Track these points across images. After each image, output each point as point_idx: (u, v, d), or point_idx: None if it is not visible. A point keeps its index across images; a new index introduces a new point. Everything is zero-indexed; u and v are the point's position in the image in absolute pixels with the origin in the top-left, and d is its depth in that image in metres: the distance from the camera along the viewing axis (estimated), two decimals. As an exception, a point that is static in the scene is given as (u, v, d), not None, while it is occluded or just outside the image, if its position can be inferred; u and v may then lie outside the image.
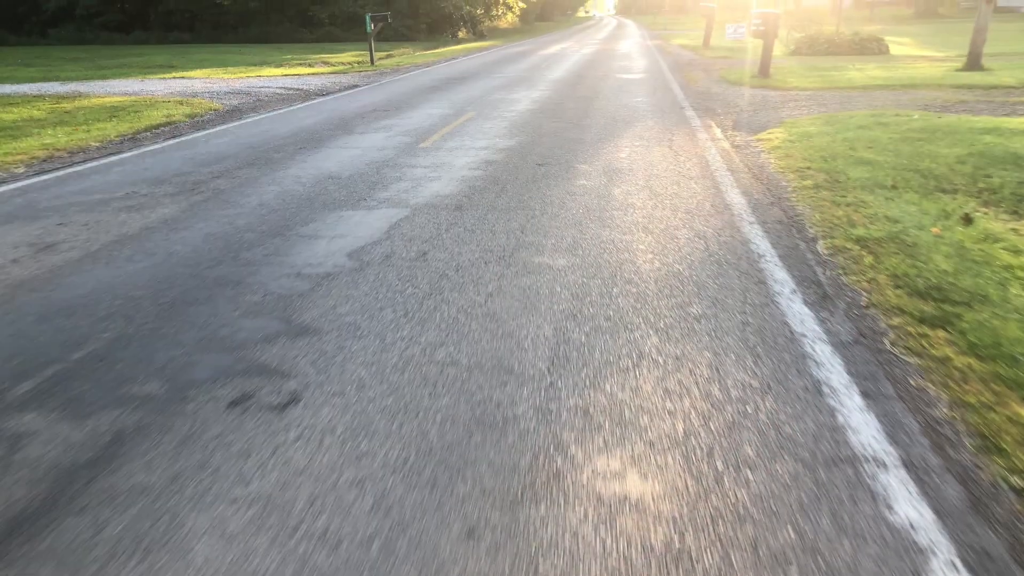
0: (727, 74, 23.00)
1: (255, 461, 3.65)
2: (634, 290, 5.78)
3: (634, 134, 12.80)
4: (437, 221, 7.71)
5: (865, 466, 3.53)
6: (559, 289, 5.80)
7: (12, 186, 10.09)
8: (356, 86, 23.25)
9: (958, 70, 21.80)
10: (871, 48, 30.86)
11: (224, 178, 10.15)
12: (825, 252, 6.60)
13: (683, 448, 3.70)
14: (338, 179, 9.83)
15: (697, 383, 4.35)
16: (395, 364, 4.62)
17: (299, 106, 18.44)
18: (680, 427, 3.89)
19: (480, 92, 20.16)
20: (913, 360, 4.60)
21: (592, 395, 4.22)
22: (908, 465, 3.55)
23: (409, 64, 32.78)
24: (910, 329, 4.98)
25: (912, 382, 4.35)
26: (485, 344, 4.87)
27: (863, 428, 3.84)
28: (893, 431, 3.83)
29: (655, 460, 3.61)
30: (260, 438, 3.84)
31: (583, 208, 8.08)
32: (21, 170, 11.10)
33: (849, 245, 6.67)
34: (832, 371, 4.45)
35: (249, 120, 16.15)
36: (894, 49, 31.88)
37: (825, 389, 4.25)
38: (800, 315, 5.27)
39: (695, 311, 5.36)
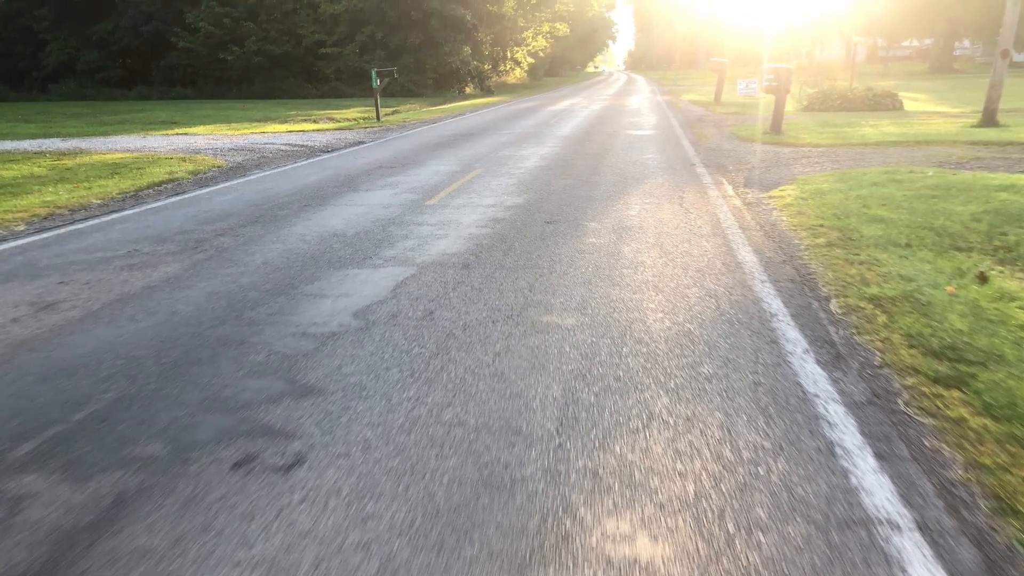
0: (738, 130, 23.11)
1: (259, 523, 3.61)
2: (644, 350, 5.74)
3: (644, 191, 12.83)
4: (444, 280, 7.70)
5: (879, 528, 3.46)
6: (568, 349, 5.77)
7: (12, 244, 10.16)
8: (362, 142, 23.45)
9: (973, 126, 21.88)
10: (885, 104, 30.99)
11: (228, 236, 10.18)
12: (838, 311, 6.55)
13: (694, 510, 3.64)
14: (343, 237, 9.85)
15: (708, 444, 4.29)
16: (401, 425, 4.58)
17: (304, 163, 18.60)
18: (691, 489, 3.83)
19: (488, 148, 20.31)
20: (928, 421, 4.53)
21: (601, 456, 4.17)
22: (922, 527, 3.48)
23: (416, 120, 33.04)
24: (924, 389, 4.92)
25: (927, 443, 4.28)
26: (493, 404, 4.83)
27: (877, 490, 3.78)
28: (907, 493, 3.76)
29: (665, 522, 3.55)
30: (264, 500, 3.80)
31: (592, 266, 8.07)
32: (21, 228, 11.18)
33: (862, 304, 6.63)
34: (845, 432, 4.39)
35: (253, 177, 16.27)
36: (908, 105, 32.05)
37: (838, 450, 4.19)
38: (813, 375, 5.21)
39: (706, 371, 5.32)
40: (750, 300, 6.89)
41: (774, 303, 6.79)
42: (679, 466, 4.06)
